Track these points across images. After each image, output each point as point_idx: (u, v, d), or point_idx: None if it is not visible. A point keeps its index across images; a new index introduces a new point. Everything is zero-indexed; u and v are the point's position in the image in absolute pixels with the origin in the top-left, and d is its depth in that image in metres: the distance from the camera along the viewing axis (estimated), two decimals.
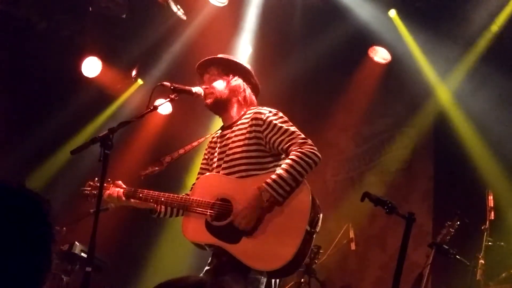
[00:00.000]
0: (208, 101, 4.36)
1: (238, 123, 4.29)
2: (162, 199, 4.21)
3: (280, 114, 4.21)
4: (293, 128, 4.09)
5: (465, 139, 7.77)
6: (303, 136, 4.05)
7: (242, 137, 4.19)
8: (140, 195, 4.27)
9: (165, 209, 4.36)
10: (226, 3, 7.72)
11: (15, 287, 1.48)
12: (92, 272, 3.49)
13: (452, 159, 7.85)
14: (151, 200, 4.24)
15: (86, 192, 4.42)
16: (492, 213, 5.79)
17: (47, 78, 8.25)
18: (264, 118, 4.14)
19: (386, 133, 8.99)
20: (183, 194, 4.31)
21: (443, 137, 8.08)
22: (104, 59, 8.34)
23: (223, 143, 4.31)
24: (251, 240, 3.88)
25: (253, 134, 4.15)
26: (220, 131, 4.48)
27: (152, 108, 4.20)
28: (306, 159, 3.90)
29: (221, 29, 8.05)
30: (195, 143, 4.65)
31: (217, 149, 4.37)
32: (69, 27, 8.14)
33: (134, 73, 8.60)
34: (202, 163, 4.52)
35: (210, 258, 4.17)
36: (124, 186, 4.36)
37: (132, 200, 4.31)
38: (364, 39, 8.24)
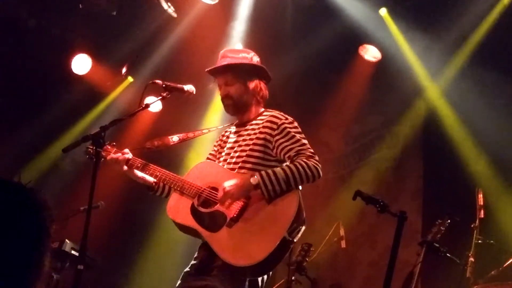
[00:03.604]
0: (228, 105, 4.38)
1: (253, 122, 4.33)
2: (158, 173, 4.28)
3: (296, 124, 4.24)
4: (305, 141, 4.12)
5: (455, 137, 7.79)
6: (312, 150, 4.08)
7: (254, 136, 4.22)
8: (139, 164, 4.33)
9: (162, 189, 4.43)
10: (217, 1, 7.71)
11: (8, 284, 1.46)
12: (84, 270, 3.49)
13: (441, 158, 7.87)
14: (147, 172, 4.31)
15: (90, 150, 4.39)
16: (482, 211, 5.81)
17: (37, 76, 8.21)
18: (280, 123, 4.18)
19: (376, 131, 9.01)
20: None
21: (433, 136, 8.10)
22: (94, 56, 8.32)
23: (235, 139, 4.35)
24: (228, 232, 3.91)
25: (263, 136, 4.18)
26: (234, 127, 4.49)
27: (144, 106, 4.22)
28: (308, 171, 3.92)
29: (211, 27, 8.04)
30: (205, 131, 4.69)
31: (227, 144, 4.40)
32: (59, 24, 8.11)
33: (124, 70, 8.58)
34: (210, 153, 4.56)
35: (196, 253, 4.20)
36: (130, 154, 4.38)
37: (132, 170, 4.34)
38: (354, 38, 8.25)
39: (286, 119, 4.23)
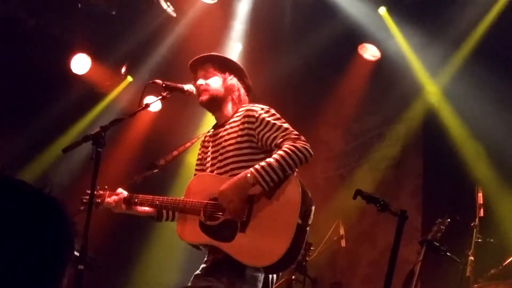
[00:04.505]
0: (203, 98, 4.35)
1: (231, 121, 4.31)
2: (157, 202, 4.25)
3: (272, 111, 4.23)
4: (286, 125, 4.11)
5: (454, 136, 7.80)
6: (296, 132, 4.07)
7: (235, 135, 4.20)
8: (136, 200, 4.31)
9: (166, 214, 4.42)
10: (216, 0, 7.71)
11: None
12: (84, 270, 3.49)
13: (441, 156, 7.88)
14: (146, 204, 4.29)
15: (85, 200, 4.40)
16: (482, 210, 5.80)
17: (36, 75, 8.20)
18: (257, 115, 4.16)
19: (376, 130, 9.02)
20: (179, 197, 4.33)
21: (432, 134, 8.11)
22: (93, 56, 8.30)
23: (216, 142, 4.33)
24: (244, 237, 3.89)
25: (245, 132, 4.17)
26: (212, 130, 4.49)
27: (144, 106, 4.22)
28: (298, 153, 3.91)
29: (211, 26, 8.04)
30: (188, 144, 4.67)
31: (210, 148, 4.39)
32: (58, 24, 8.09)
33: (123, 70, 8.57)
34: (196, 164, 4.55)
35: (206, 256, 4.18)
36: (124, 192, 4.37)
37: (131, 207, 4.35)
38: (354, 37, 8.25)
39: (262, 109, 4.22)
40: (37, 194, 1.54)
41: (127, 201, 4.33)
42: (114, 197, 4.34)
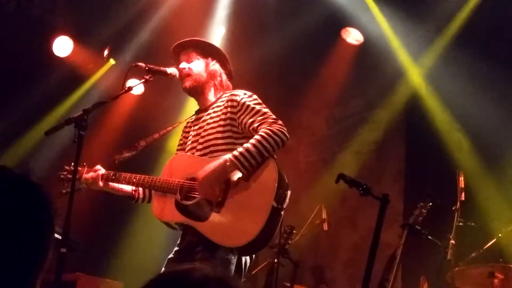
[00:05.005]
0: (187, 84, 4.37)
1: (214, 106, 4.33)
2: (134, 180, 4.27)
3: (255, 96, 4.26)
4: (265, 110, 4.14)
5: (436, 120, 7.84)
6: (274, 116, 4.11)
7: (217, 119, 4.23)
8: (113, 177, 4.32)
9: (143, 195, 4.43)
10: None
11: (15, 279, 1.46)
12: (66, 253, 3.49)
13: (423, 141, 7.91)
14: (124, 182, 4.30)
15: (62, 176, 4.44)
16: (463, 194, 5.83)
17: (17, 58, 8.14)
18: (239, 99, 4.19)
19: (359, 114, 9.04)
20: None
21: (415, 119, 8.14)
22: (76, 38, 8.24)
23: (198, 125, 4.35)
24: (218, 218, 3.93)
25: (227, 116, 4.19)
26: (195, 115, 4.49)
27: (126, 89, 4.21)
28: (274, 136, 3.95)
29: (195, 9, 8.00)
30: (169, 128, 4.68)
31: (191, 132, 4.40)
32: (40, 6, 8.01)
33: (106, 53, 8.51)
34: (177, 149, 4.56)
35: (179, 239, 4.22)
36: (103, 169, 4.37)
37: (108, 183, 4.34)
38: (337, 21, 8.25)
39: (245, 94, 4.26)
40: (18, 179, 1.53)
41: (105, 178, 4.34)
42: (91, 173, 4.35)
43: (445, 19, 7.68)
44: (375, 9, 8.04)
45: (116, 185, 4.37)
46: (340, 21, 8.29)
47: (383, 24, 8.09)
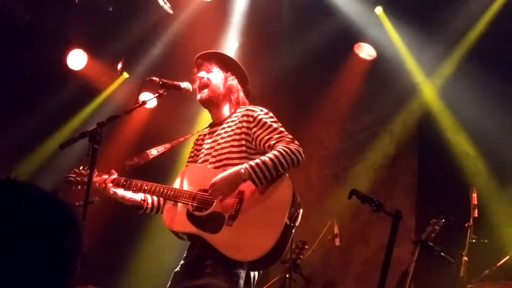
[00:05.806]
0: (203, 95, 4.40)
1: (229, 120, 4.34)
2: (145, 187, 4.26)
3: (271, 114, 4.28)
4: (281, 128, 4.17)
5: (449, 136, 7.81)
6: (290, 136, 4.12)
7: (232, 133, 4.24)
8: (124, 183, 4.31)
9: (151, 205, 4.41)
10: None
11: None
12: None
13: (436, 156, 7.88)
14: (135, 189, 4.28)
15: (71, 179, 4.43)
16: (476, 210, 5.82)
17: (32, 71, 8.19)
18: (255, 115, 4.21)
19: (371, 129, 9.02)
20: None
21: (427, 134, 8.11)
22: (90, 51, 8.30)
23: (212, 139, 4.35)
24: (230, 231, 3.91)
25: (242, 130, 4.20)
26: (208, 128, 4.50)
27: (140, 103, 4.22)
28: (291, 154, 3.96)
29: (207, 23, 8.03)
30: (181, 139, 4.69)
31: (204, 145, 4.40)
32: (55, 19, 8.08)
33: (119, 66, 8.56)
34: (188, 161, 4.56)
35: (186, 252, 4.21)
36: (116, 174, 4.37)
37: (117, 193, 4.33)
38: (350, 36, 8.25)
39: (261, 110, 4.27)
40: (45, 196, 1.55)
41: (116, 183, 4.33)
42: (104, 176, 4.34)
43: (458, 34, 7.67)
44: (388, 24, 8.04)
45: (125, 193, 4.35)
46: (353, 36, 8.30)
47: (396, 40, 8.09)
